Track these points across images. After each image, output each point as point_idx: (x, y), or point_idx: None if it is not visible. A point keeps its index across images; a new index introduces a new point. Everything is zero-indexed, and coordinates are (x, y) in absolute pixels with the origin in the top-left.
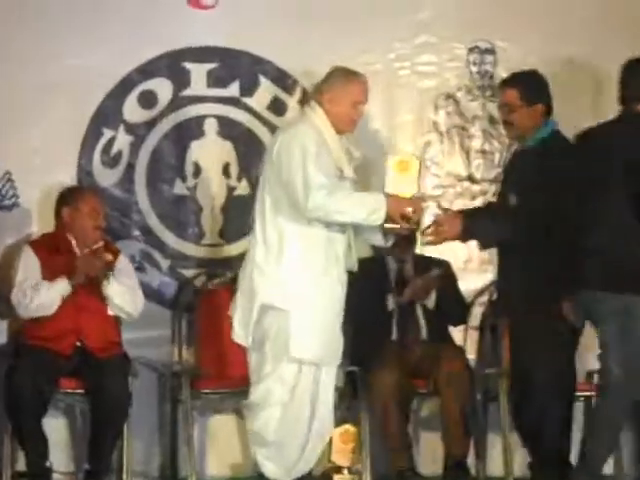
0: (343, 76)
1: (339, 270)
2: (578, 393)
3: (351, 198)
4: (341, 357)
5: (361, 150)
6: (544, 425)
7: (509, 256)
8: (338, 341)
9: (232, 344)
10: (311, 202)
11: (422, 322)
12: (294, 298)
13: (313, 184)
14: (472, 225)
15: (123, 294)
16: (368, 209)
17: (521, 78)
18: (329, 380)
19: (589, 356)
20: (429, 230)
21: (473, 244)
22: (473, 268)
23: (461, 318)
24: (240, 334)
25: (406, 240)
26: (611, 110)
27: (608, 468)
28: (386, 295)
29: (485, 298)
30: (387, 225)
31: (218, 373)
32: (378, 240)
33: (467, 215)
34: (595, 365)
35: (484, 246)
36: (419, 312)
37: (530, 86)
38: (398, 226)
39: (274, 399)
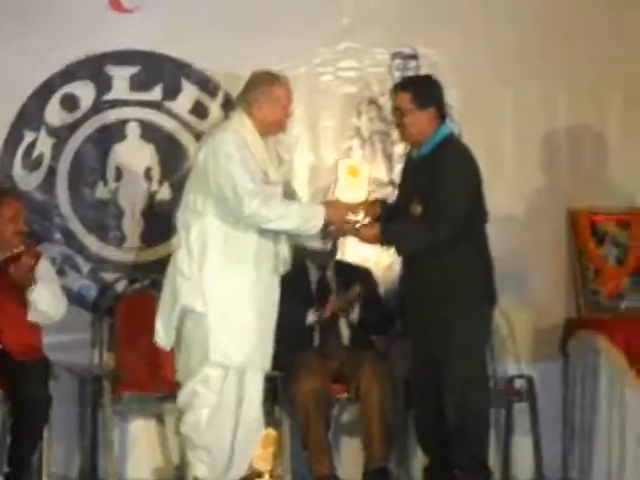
0: (265, 83)
1: (269, 274)
2: (500, 399)
3: (287, 206)
4: (269, 363)
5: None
6: (468, 428)
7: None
8: (265, 347)
9: (153, 348)
10: (247, 209)
11: (344, 329)
12: (215, 302)
13: (245, 191)
14: (388, 231)
15: (47, 299)
16: (304, 217)
17: (413, 82)
18: (254, 385)
19: (508, 362)
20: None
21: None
22: (396, 274)
23: (384, 328)
24: (162, 337)
25: None
26: (533, 120)
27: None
28: (307, 303)
29: None
30: (330, 229)
31: (139, 377)
32: (317, 244)
33: (382, 214)
34: (514, 370)
35: (401, 253)
36: (341, 319)
37: (422, 90)
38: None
39: (200, 401)
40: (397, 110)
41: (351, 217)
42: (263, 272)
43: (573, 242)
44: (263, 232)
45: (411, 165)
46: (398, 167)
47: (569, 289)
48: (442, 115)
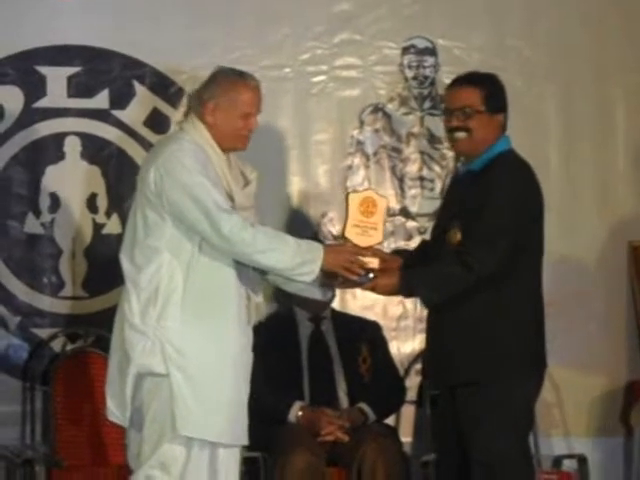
0: (227, 80)
1: (243, 325)
2: None
3: (281, 239)
4: (247, 437)
5: (262, 175)
6: None
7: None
8: (242, 416)
9: (100, 424)
10: (225, 228)
11: (343, 395)
12: (179, 361)
13: (216, 206)
14: (411, 278)
15: None
16: (301, 258)
17: (484, 78)
18: (231, 467)
19: (555, 437)
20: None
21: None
22: (408, 326)
23: (395, 402)
24: (115, 412)
25: None
26: (586, 130)
27: None
28: (295, 366)
29: None
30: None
31: (80, 461)
32: (314, 293)
33: (406, 264)
34: (563, 448)
35: (429, 302)
36: (340, 381)
37: (494, 89)
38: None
39: None
40: (461, 110)
41: (362, 261)
42: (235, 322)
43: (637, 284)
44: (236, 269)
45: (456, 184)
46: (412, 192)
47: (632, 344)
48: (505, 127)
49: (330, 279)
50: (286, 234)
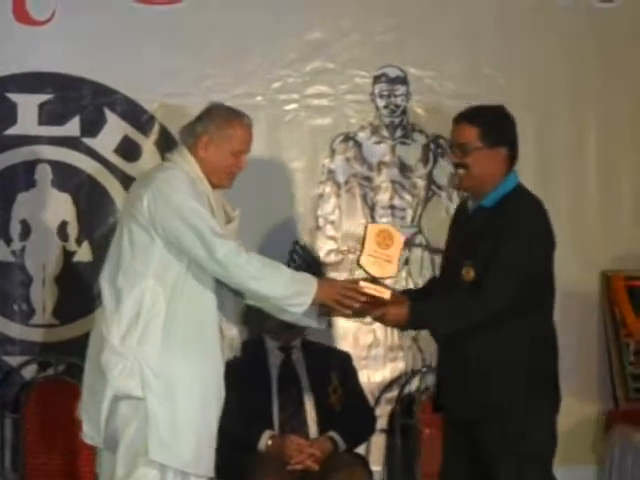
0: (222, 117)
1: (219, 357)
2: None
3: (276, 268)
4: (213, 468)
5: (235, 203)
6: None
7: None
8: (211, 447)
9: (71, 453)
10: (219, 251)
11: (313, 424)
12: (156, 385)
13: (210, 230)
14: (421, 309)
15: None
16: (295, 289)
17: (482, 113)
18: None
19: None
20: (375, 313)
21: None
22: (378, 355)
23: (365, 432)
24: (91, 435)
25: None
26: (559, 161)
27: None
28: (265, 395)
29: (394, 393)
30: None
31: None
32: (311, 322)
33: (415, 296)
34: None
35: (438, 333)
36: (310, 410)
37: (493, 125)
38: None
39: None
40: (459, 147)
41: (370, 291)
42: (214, 352)
43: (608, 314)
44: (217, 298)
45: (464, 219)
46: (383, 221)
47: (604, 374)
48: (513, 160)
49: (325, 309)
50: (281, 264)
